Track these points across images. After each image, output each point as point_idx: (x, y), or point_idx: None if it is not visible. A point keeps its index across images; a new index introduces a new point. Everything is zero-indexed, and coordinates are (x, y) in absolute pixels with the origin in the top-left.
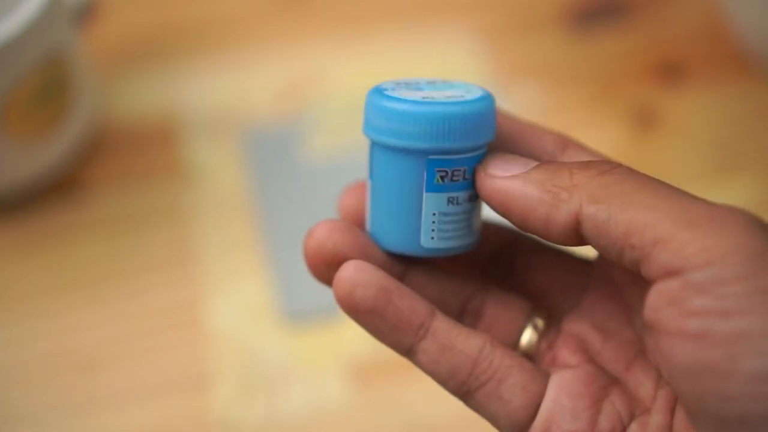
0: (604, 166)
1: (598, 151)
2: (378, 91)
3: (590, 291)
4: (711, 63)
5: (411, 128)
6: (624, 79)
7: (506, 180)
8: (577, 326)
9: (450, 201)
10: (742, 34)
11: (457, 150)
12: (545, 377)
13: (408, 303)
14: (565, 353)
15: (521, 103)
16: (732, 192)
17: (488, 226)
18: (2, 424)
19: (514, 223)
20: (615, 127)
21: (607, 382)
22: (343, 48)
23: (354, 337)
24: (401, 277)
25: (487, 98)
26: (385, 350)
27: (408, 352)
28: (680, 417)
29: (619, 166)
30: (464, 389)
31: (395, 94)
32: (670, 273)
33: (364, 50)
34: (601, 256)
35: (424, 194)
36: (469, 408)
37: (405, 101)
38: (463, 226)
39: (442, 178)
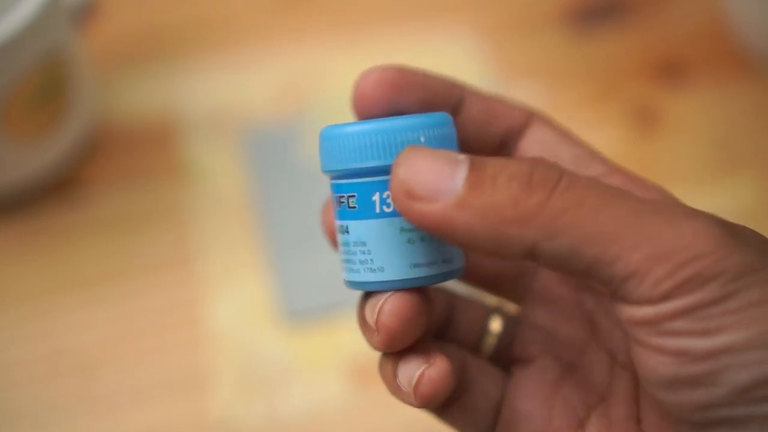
0: (547, 185)
1: (562, 127)
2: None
3: (540, 274)
4: (711, 63)
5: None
6: (624, 79)
7: (438, 209)
8: (532, 314)
9: (341, 229)
10: (742, 34)
11: (336, 173)
12: (504, 379)
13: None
14: (522, 348)
15: None
16: (732, 192)
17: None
18: (2, 424)
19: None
20: (615, 126)
21: (558, 373)
22: (342, 48)
23: (354, 337)
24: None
25: (382, 123)
26: None
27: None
28: (647, 406)
29: (562, 175)
30: (444, 406)
31: None
32: (645, 303)
33: (364, 50)
34: None
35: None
36: (438, 419)
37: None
38: (361, 260)
39: (335, 202)
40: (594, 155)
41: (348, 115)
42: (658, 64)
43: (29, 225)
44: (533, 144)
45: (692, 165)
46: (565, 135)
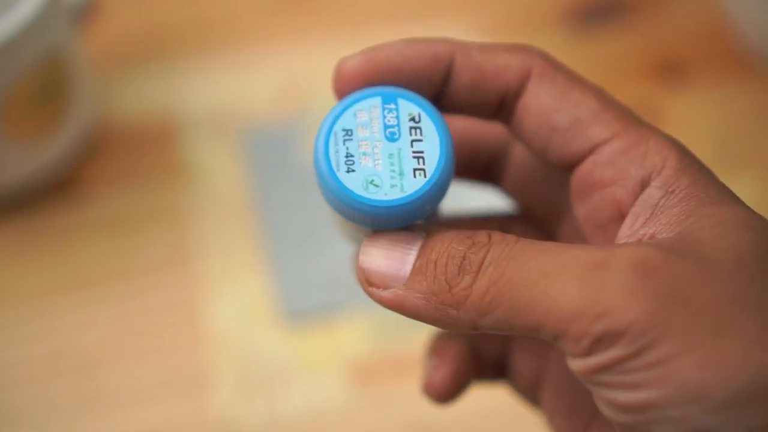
0: (473, 265)
1: (561, 74)
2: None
3: (569, 212)
4: (711, 62)
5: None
6: (624, 79)
7: (391, 295)
8: None
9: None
10: (742, 34)
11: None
12: (545, 351)
13: None
14: None
15: None
16: (732, 191)
17: (477, 135)
18: (2, 424)
19: None
20: None
21: None
22: (342, 48)
23: (354, 336)
24: None
25: (406, 202)
26: (385, 350)
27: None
28: None
29: (489, 249)
30: (493, 379)
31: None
32: (575, 357)
33: None
34: (577, 175)
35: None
36: None
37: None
38: None
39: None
40: (597, 115)
41: None
42: (658, 64)
43: (29, 225)
44: (529, 109)
45: None
46: (565, 92)
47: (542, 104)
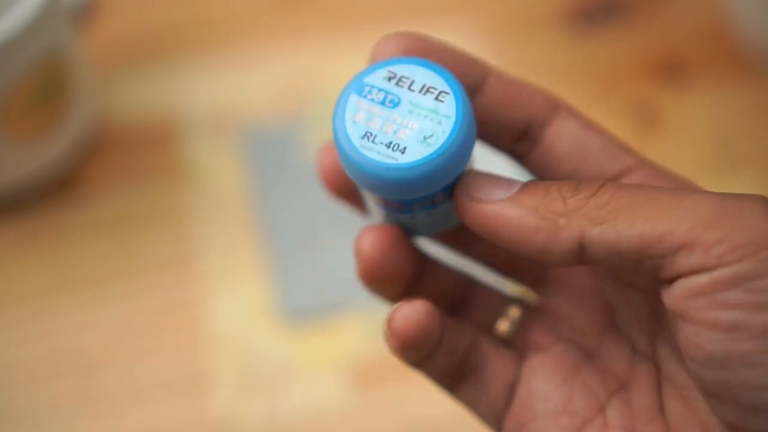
0: (592, 187)
1: (586, 116)
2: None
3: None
4: (712, 62)
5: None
6: (624, 79)
7: (494, 206)
8: (550, 301)
9: (397, 218)
10: (742, 34)
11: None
12: (519, 362)
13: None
14: (539, 335)
15: None
16: (732, 191)
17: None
18: (2, 424)
19: (501, 246)
20: (615, 126)
21: (577, 359)
22: (342, 47)
23: (354, 336)
24: (421, 273)
25: (427, 162)
26: (385, 350)
27: (419, 363)
28: (671, 394)
29: (605, 182)
30: (453, 382)
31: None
32: (700, 271)
33: (364, 49)
34: None
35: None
36: (451, 397)
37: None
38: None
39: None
40: (622, 146)
41: None
42: (658, 64)
43: (29, 225)
44: (561, 134)
45: (692, 165)
46: (593, 126)
47: (573, 130)
